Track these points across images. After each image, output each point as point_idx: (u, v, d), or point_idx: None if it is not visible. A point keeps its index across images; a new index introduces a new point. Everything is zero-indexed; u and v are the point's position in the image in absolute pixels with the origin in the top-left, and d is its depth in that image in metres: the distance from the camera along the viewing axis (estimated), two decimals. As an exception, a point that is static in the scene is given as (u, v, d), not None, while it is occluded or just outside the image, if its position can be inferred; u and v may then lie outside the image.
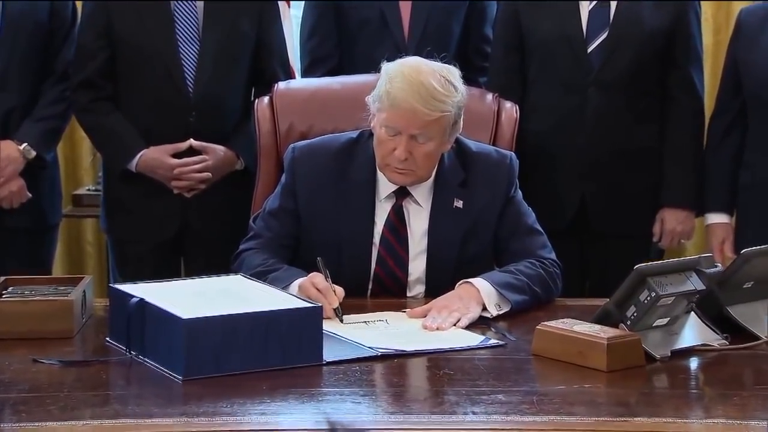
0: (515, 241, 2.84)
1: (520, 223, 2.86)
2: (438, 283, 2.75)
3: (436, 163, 2.79)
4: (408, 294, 2.81)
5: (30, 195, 3.42)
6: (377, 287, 2.80)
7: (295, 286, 2.61)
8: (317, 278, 2.59)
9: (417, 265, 2.81)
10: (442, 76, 2.70)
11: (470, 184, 2.83)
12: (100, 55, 3.41)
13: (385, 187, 2.81)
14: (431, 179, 2.81)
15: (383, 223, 2.81)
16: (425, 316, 2.58)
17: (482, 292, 2.64)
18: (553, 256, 2.84)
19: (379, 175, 2.80)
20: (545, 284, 2.76)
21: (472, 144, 2.90)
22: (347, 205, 2.80)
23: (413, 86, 2.66)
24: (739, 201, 3.42)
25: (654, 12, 3.40)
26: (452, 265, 2.79)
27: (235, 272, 2.65)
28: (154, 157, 3.37)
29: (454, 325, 2.54)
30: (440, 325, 2.52)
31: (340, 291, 2.58)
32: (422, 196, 2.82)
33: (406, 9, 3.54)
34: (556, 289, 2.80)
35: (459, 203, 2.81)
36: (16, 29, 3.39)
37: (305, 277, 2.62)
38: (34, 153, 3.41)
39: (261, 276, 2.66)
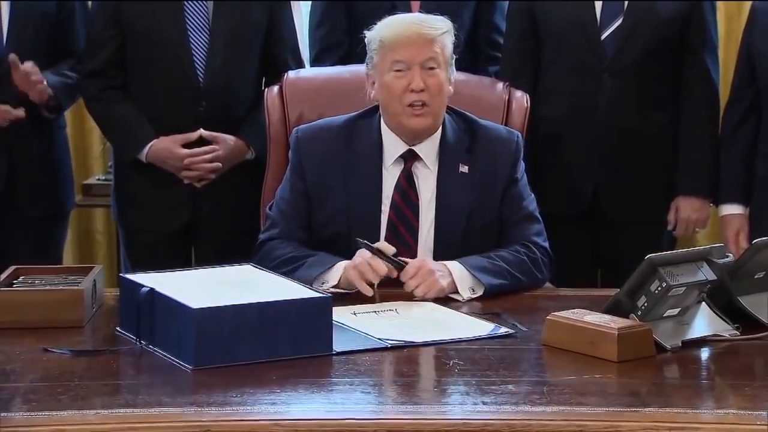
0: (512, 224, 2.86)
1: (521, 206, 2.88)
2: (446, 254, 2.77)
3: (446, 101, 2.84)
4: None
5: (49, 91, 3.39)
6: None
7: (339, 267, 2.67)
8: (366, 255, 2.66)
9: (426, 232, 2.83)
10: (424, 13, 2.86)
11: (476, 151, 2.87)
12: (110, 44, 3.41)
13: (391, 153, 2.85)
14: (437, 142, 2.85)
15: (392, 189, 2.84)
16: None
17: (455, 274, 2.68)
18: (545, 244, 2.87)
19: (385, 142, 2.85)
20: (526, 270, 2.78)
21: (479, 119, 2.94)
22: (354, 175, 2.84)
23: (406, 21, 2.85)
24: (754, 192, 3.41)
25: (668, 0, 3.39)
26: (460, 234, 2.82)
27: (258, 263, 2.63)
28: (164, 147, 3.37)
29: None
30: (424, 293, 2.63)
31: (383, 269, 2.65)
32: (430, 158, 2.85)
33: None
34: (541, 275, 2.83)
35: (464, 168, 2.85)
36: (24, 20, 3.39)
37: (351, 261, 2.67)
38: (50, 91, 3.39)
39: (293, 261, 2.72)
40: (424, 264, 2.68)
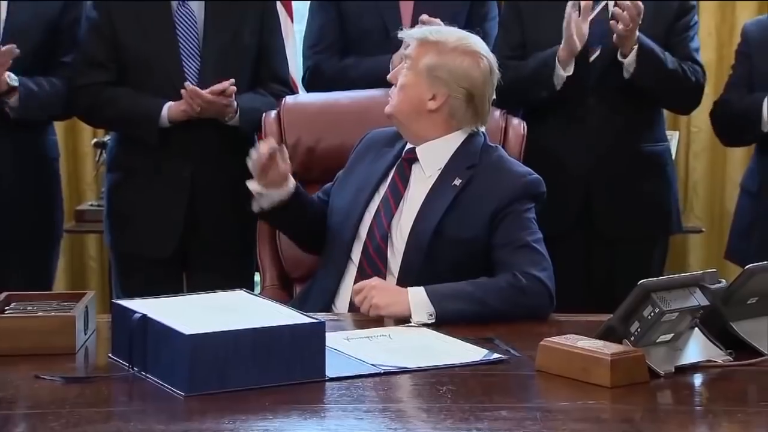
0: (504, 253, 2.81)
1: (517, 237, 2.82)
2: (416, 257, 2.83)
3: (407, 103, 2.90)
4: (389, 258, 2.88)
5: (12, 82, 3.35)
6: (364, 236, 2.88)
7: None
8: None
9: (402, 231, 2.88)
10: (457, 36, 2.91)
11: (477, 171, 2.90)
12: (107, 67, 3.41)
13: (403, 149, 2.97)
14: (446, 155, 2.90)
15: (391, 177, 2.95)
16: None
17: (410, 295, 2.67)
18: (541, 274, 2.75)
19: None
20: (507, 298, 2.70)
21: (508, 157, 3.00)
22: (373, 164, 2.96)
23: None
24: (742, 208, 3.46)
25: (651, 19, 3.43)
26: (428, 237, 2.84)
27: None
28: (177, 102, 3.35)
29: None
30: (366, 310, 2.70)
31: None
32: (431, 165, 2.91)
33: (407, 15, 3.56)
34: (530, 303, 2.72)
35: (458, 182, 2.89)
36: (23, 30, 3.38)
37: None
38: (15, 83, 3.34)
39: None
40: (370, 281, 2.74)
